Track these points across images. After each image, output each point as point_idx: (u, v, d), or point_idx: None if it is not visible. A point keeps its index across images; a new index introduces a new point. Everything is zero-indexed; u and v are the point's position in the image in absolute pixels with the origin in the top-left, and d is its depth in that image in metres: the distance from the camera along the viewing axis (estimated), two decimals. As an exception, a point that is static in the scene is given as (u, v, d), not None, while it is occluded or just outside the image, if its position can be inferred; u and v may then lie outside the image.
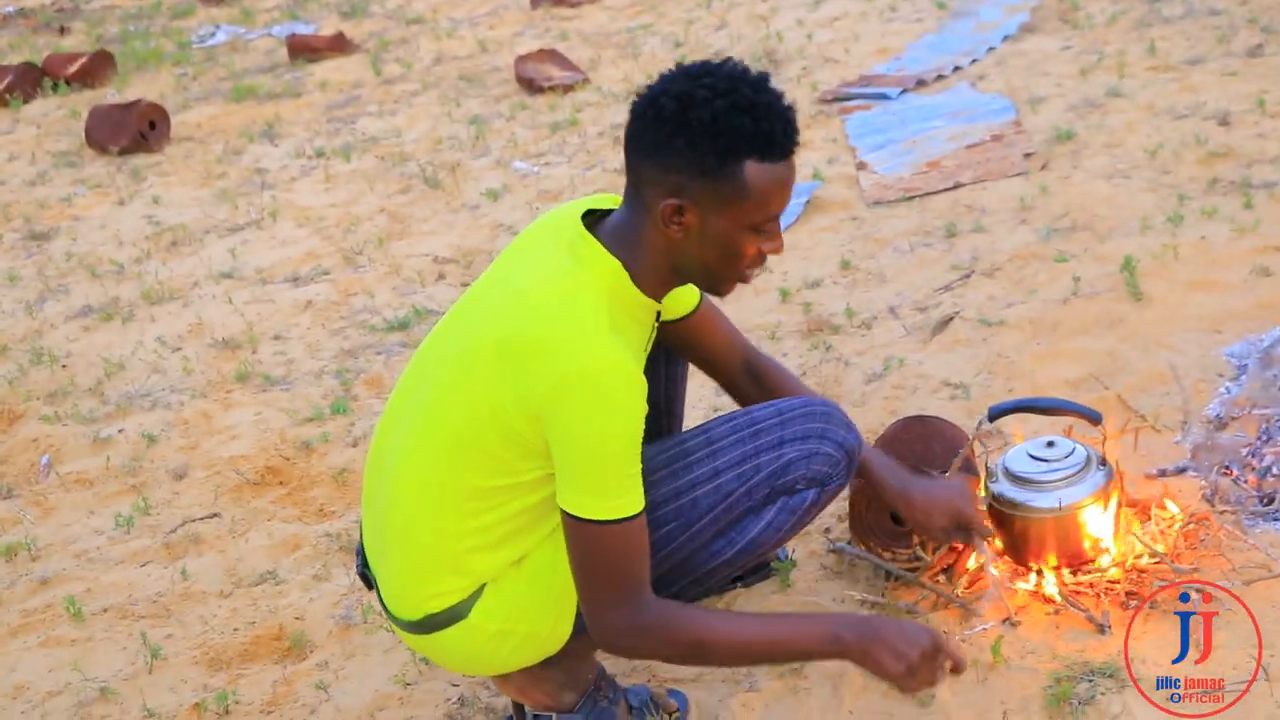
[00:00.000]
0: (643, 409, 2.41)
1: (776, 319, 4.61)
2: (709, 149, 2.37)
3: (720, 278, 2.55)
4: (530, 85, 7.92)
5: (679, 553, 2.62)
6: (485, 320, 2.52)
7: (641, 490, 2.43)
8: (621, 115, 7.20)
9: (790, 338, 4.52)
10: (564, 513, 2.45)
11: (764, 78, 2.43)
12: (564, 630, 2.68)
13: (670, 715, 2.95)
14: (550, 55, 8.26)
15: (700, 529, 2.63)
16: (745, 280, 2.56)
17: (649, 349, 2.67)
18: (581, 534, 2.44)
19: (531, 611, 2.65)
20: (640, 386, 2.39)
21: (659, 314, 2.65)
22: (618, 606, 2.49)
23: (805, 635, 2.56)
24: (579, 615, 2.64)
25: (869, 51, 7.82)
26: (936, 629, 2.55)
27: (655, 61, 8.24)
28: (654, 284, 2.53)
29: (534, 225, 2.70)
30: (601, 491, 2.41)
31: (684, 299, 2.82)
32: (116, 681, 3.35)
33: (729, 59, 2.47)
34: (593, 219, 2.57)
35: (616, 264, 2.48)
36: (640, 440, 2.42)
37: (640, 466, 2.43)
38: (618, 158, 6.53)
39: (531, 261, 2.56)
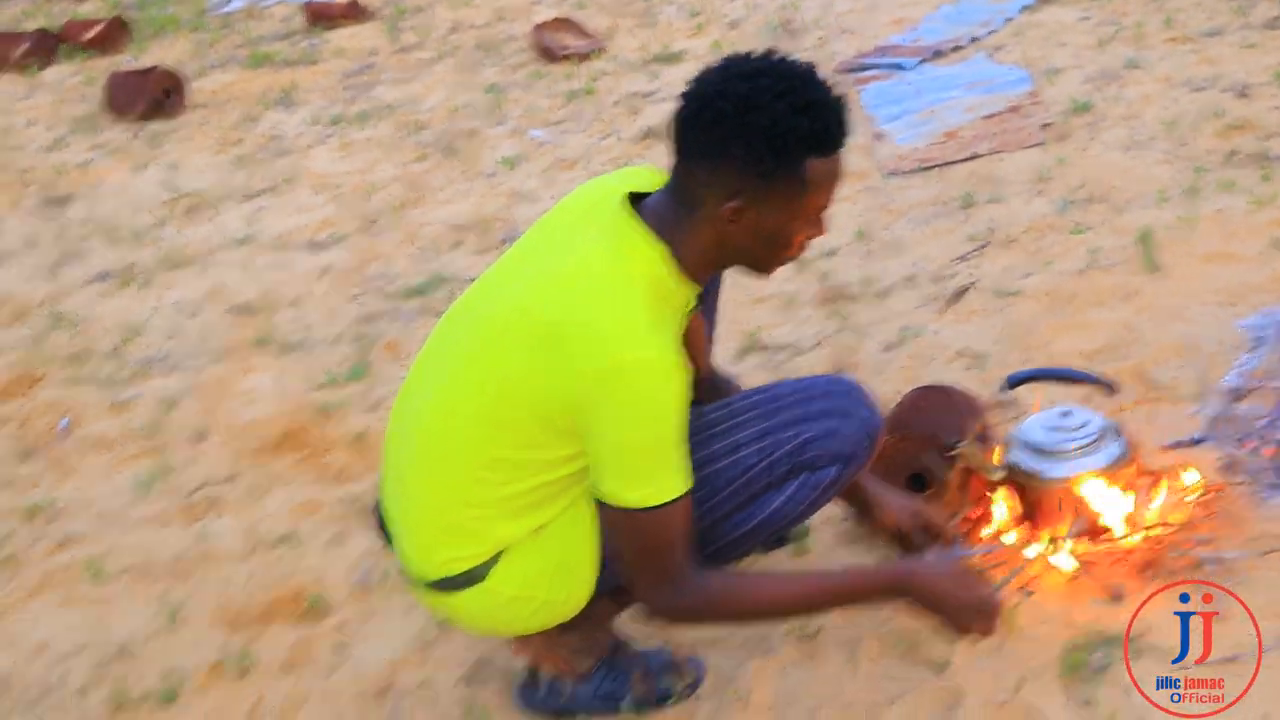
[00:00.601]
0: (686, 397, 2.42)
1: (793, 288, 4.63)
2: (768, 152, 2.37)
3: (768, 263, 2.57)
4: (547, 53, 7.92)
5: (698, 524, 2.63)
6: (522, 298, 2.51)
7: (687, 468, 2.46)
8: (639, 84, 7.22)
9: (806, 306, 4.53)
10: (605, 504, 2.47)
11: (812, 70, 2.42)
12: (580, 597, 2.70)
13: (687, 679, 2.97)
14: (567, 24, 8.26)
15: (719, 502, 2.64)
16: (792, 260, 2.59)
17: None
18: (626, 523, 2.47)
19: (548, 579, 2.67)
20: (683, 375, 2.41)
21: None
22: (667, 586, 2.53)
23: (855, 587, 2.67)
24: (595, 582, 2.68)
25: (886, 22, 7.80)
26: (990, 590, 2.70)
27: (673, 30, 8.24)
28: (697, 271, 2.53)
29: (571, 200, 2.69)
30: (649, 479, 2.43)
31: None
32: (136, 641, 3.38)
33: (773, 51, 2.45)
34: (633, 200, 2.55)
35: (661, 251, 2.47)
36: (684, 426, 2.44)
37: (684, 449, 2.45)
38: (634, 126, 6.55)
39: (571, 241, 2.54)
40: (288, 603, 3.47)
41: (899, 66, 6.86)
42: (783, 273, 2.65)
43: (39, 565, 3.75)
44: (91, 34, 9.40)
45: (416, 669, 3.16)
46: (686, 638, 3.04)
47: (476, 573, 2.65)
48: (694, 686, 2.98)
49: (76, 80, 8.81)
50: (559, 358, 2.39)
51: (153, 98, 7.67)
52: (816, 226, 2.51)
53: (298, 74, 8.39)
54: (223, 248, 5.77)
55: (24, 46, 9.18)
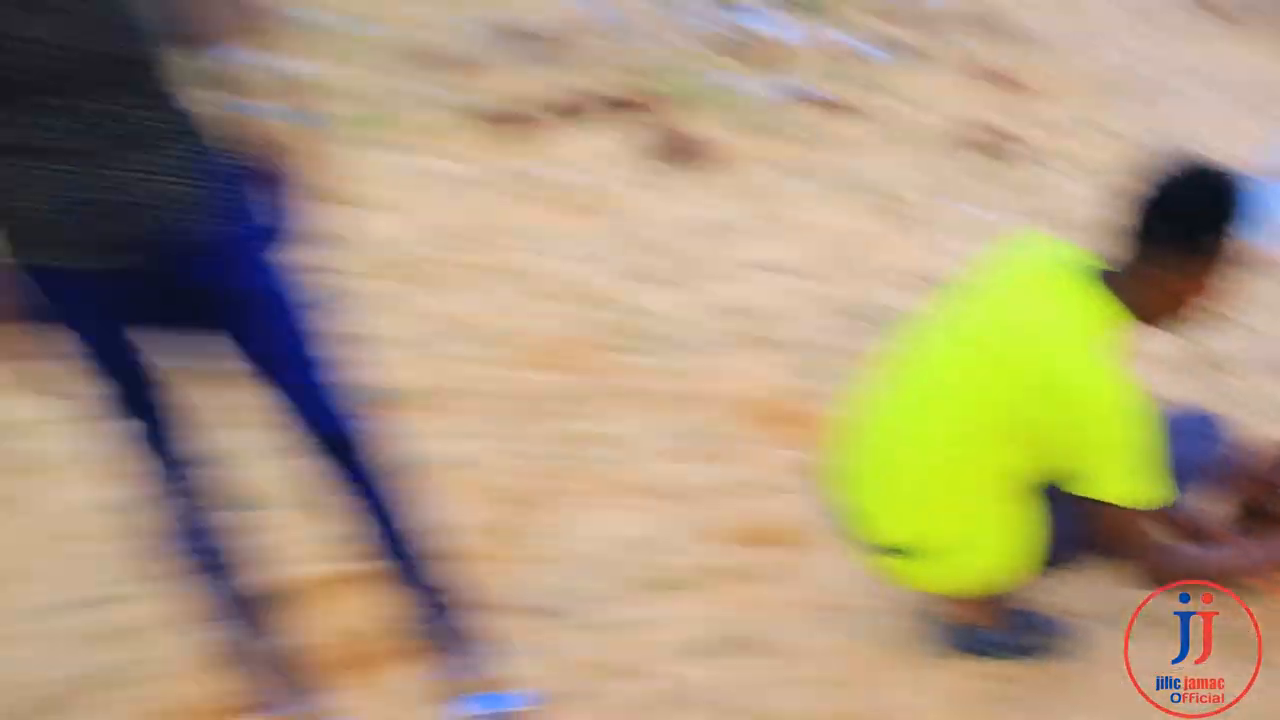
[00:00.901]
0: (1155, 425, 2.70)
1: (1165, 350, 4.64)
2: (1214, 244, 2.47)
3: (1169, 321, 2.61)
4: (984, 148, 7.93)
5: None
6: (1008, 343, 2.53)
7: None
8: (1076, 186, 7.18)
9: (1171, 369, 4.55)
10: (1110, 504, 2.49)
11: (1223, 169, 2.47)
12: (1023, 574, 2.78)
13: (1071, 641, 3.16)
14: (998, 130, 8.24)
15: None
16: (1188, 321, 2.62)
17: None
18: (1129, 517, 2.51)
19: (1002, 557, 2.74)
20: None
21: None
22: (1164, 557, 2.61)
23: (1258, 558, 2.74)
24: (1038, 564, 2.76)
25: (1237, 136, 7.52)
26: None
27: (1072, 136, 8.13)
28: (1134, 330, 2.61)
29: (1015, 261, 2.68)
30: (1145, 481, 2.49)
31: None
32: (650, 543, 3.73)
33: (1188, 154, 2.50)
34: (1089, 269, 2.61)
35: (1121, 314, 2.55)
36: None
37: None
38: (1048, 207, 6.58)
39: (1045, 298, 2.55)
40: (768, 530, 3.80)
41: (1252, 179, 6.60)
42: (1159, 335, 2.71)
43: (587, 479, 4.09)
44: (636, 99, 9.82)
45: (863, 598, 3.44)
46: (1074, 608, 3.28)
47: (943, 545, 2.74)
48: (1075, 647, 3.17)
49: (623, 134, 9.19)
50: (1054, 393, 2.45)
51: (686, 150, 8.03)
52: (1212, 295, 2.56)
53: (795, 145, 8.60)
54: (732, 266, 6.05)
55: (586, 102, 9.65)
